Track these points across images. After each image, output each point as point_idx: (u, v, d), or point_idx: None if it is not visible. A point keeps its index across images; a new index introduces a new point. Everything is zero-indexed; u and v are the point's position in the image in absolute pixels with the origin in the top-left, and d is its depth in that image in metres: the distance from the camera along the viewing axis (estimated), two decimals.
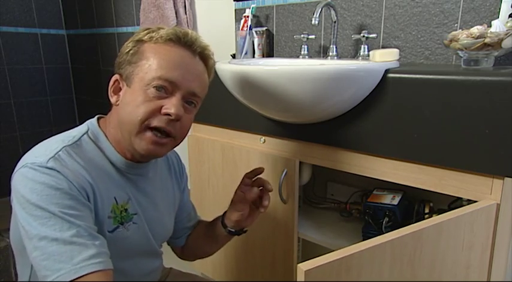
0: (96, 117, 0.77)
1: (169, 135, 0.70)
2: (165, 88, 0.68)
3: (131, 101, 0.69)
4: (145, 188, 0.79)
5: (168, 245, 0.99)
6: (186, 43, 0.71)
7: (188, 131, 0.75)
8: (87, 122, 0.76)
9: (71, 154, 0.67)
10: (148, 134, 0.69)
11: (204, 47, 0.74)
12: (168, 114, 0.68)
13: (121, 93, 0.72)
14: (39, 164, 0.63)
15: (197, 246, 0.98)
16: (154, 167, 0.83)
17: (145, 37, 0.71)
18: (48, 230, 0.59)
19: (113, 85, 0.74)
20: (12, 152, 2.45)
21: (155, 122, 0.68)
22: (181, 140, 0.75)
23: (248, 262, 1.30)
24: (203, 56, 0.74)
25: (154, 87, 0.67)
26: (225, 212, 0.91)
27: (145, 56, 0.69)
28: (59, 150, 0.66)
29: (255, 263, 1.27)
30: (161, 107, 0.68)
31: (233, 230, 0.89)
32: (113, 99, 0.73)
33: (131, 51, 0.71)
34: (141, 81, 0.68)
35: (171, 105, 0.68)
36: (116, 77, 0.73)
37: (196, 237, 0.98)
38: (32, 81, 2.50)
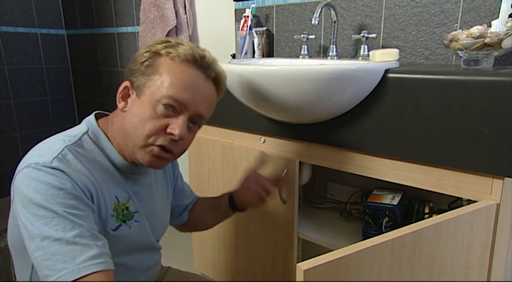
0: (93, 114, 0.77)
1: (170, 152, 0.72)
2: (174, 107, 0.69)
3: (139, 114, 0.69)
4: (144, 183, 0.81)
5: (170, 224, 1.03)
6: (202, 66, 0.71)
7: (188, 147, 0.77)
8: (85, 120, 0.76)
9: (73, 154, 0.67)
10: (154, 148, 0.70)
11: (219, 71, 0.75)
12: (172, 134, 0.69)
13: (129, 100, 0.72)
14: (43, 164, 0.63)
15: (200, 219, 1.03)
16: None
17: (163, 51, 0.70)
18: (51, 229, 0.59)
19: (122, 91, 0.73)
20: (12, 152, 2.45)
21: (159, 141, 0.69)
22: (179, 156, 0.77)
23: (248, 262, 1.30)
24: (216, 80, 0.75)
25: (163, 104, 0.68)
26: (235, 190, 0.98)
27: (159, 70, 0.69)
28: (62, 150, 0.66)
29: (255, 263, 1.27)
30: (167, 126, 0.69)
31: (238, 207, 0.97)
32: (120, 105, 0.73)
33: (146, 63, 0.71)
34: (151, 95, 0.69)
35: (177, 127, 0.69)
36: (126, 83, 0.73)
37: (199, 211, 1.03)
38: (32, 81, 2.50)
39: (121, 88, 0.74)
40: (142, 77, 0.70)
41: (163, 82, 0.68)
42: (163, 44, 0.71)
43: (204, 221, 1.03)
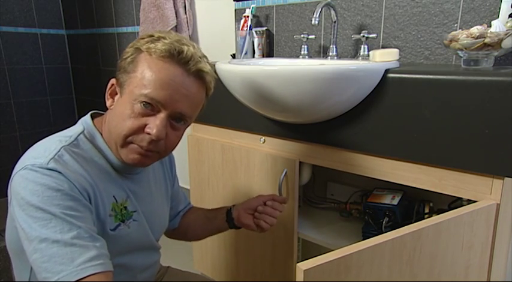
0: (89, 114, 0.76)
1: (151, 151, 0.71)
2: (152, 105, 0.67)
3: (119, 113, 0.69)
4: (142, 182, 0.80)
5: None
6: (180, 61, 0.68)
7: (176, 146, 0.75)
8: (81, 120, 0.75)
9: (70, 154, 0.67)
10: (133, 146, 0.69)
11: (200, 67, 0.69)
12: (150, 134, 0.68)
13: (115, 98, 0.72)
14: (40, 165, 0.62)
15: (191, 228, 1.01)
16: None
17: (144, 46, 0.68)
18: (49, 231, 0.59)
19: (110, 88, 0.73)
20: (12, 152, 2.45)
21: (137, 141, 0.69)
22: (167, 154, 0.76)
23: (248, 262, 1.30)
24: (199, 74, 0.70)
25: (140, 103, 0.67)
26: (234, 206, 0.96)
27: (138, 68, 0.68)
28: (58, 151, 0.66)
29: (255, 263, 1.27)
30: (145, 125, 0.68)
31: (235, 224, 0.94)
32: (108, 102, 0.73)
33: (128, 59, 0.70)
34: (130, 93, 0.68)
35: (154, 126, 0.67)
36: (113, 81, 0.73)
37: (192, 219, 1.01)
38: (32, 81, 2.50)
39: (109, 85, 0.73)
40: (125, 75, 0.70)
41: (140, 80, 0.67)
42: (146, 39, 0.70)
43: (196, 230, 1.01)
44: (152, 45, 0.68)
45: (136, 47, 0.70)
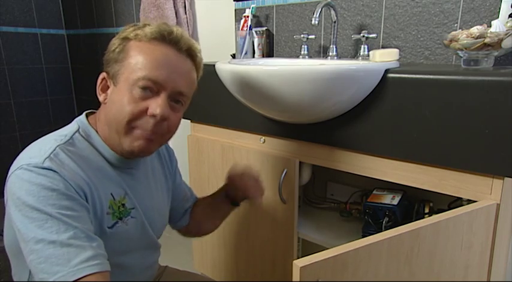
0: (84, 113, 0.76)
1: (156, 134, 0.71)
2: (150, 88, 0.68)
3: (117, 101, 0.68)
4: (140, 178, 0.80)
5: (173, 228, 1.02)
6: (171, 41, 0.70)
7: (176, 129, 0.75)
8: (76, 119, 0.75)
9: (65, 153, 0.66)
10: (137, 131, 0.69)
11: (191, 44, 0.73)
12: (154, 115, 0.68)
13: (108, 91, 0.72)
14: (35, 164, 0.62)
15: (202, 221, 1.01)
16: (145, 158, 0.83)
17: (131, 35, 0.70)
18: (44, 232, 0.58)
19: (100, 83, 0.73)
20: (12, 152, 2.45)
21: (141, 125, 0.68)
22: (169, 138, 0.76)
23: (248, 262, 1.30)
24: (190, 53, 0.73)
25: (139, 87, 0.67)
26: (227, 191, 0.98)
27: (130, 54, 0.69)
28: (54, 150, 0.65)
29: (255, 263, 1.27)
30: (147, 108, 0.68)
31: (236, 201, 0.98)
32: (101, 97, 0.73)
33: (117, 49, 0.70)
34: (126, 80, 0.68)
35: (157, 106, 0.67)
36: (103, 75, 0.73)
37: (201, 213, 1.01)
38: (32, 81, 2.50)
39: (99, 81, 0.73)
40: (116, 65, 0.70)
41: (135, 65, 0.67)
42: (131, 28, 0.71)
43: (207, 221, 1.01)
44: (139, 31, 0.70)
45: (123, 37, 0.71)
